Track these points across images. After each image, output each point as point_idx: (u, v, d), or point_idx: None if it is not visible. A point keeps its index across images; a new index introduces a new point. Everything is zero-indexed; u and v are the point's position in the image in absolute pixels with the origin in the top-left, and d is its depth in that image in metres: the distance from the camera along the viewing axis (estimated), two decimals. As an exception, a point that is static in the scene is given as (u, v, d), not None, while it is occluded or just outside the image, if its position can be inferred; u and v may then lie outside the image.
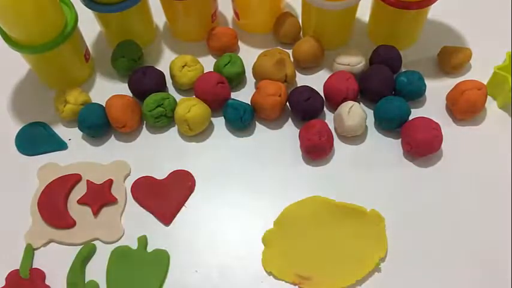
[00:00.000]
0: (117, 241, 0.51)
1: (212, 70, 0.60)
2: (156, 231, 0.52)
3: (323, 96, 0.57)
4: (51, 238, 0.51)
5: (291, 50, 0.62)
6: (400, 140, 0.56)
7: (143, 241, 0.51)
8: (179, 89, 0.62)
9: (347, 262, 0.48)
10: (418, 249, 0.49)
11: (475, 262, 0.48)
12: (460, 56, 0.59)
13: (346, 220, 0.50)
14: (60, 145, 0.58)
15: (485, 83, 0.57)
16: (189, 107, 0.55)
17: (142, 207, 0.53)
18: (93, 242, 0.51)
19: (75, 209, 0.53)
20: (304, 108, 0.56)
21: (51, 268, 0.50)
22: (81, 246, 0.51)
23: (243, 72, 0.61)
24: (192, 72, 0.59)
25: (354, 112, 0.54)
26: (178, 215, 0.53)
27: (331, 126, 0.56)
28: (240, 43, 0.66)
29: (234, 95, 0.60)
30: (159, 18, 0.67)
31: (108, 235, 0.51)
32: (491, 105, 0.58)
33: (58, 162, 0.56)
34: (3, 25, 0.53)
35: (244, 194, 0.54)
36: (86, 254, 0.50)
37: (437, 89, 0.59)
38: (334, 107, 0.57)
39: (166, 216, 0.52)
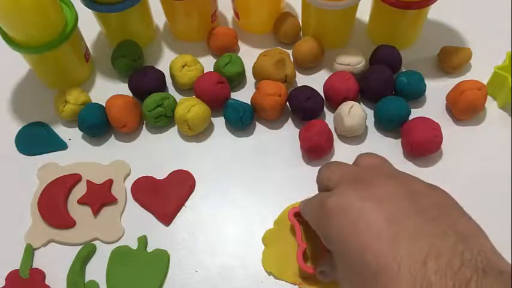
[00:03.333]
0: (117, 241, 0.51)
1: (212, 70, 0.60)
2: (156, 231, 0.52)
3: (323, 96, 0.57)
4: (51, 238, 0.51)
5: (291, 50, 0.62)
6: (400, 140, 0.56)
7: (143, 241, 0.51)
8: (179, 89, 0.62)
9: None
10: (418, 249, 0.49)
11: (475, 262, 0.48)
12: (460, 56, 0.59)
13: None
14: (60, 145, 0.58)
15: (485, 83, 0.57)
16: (189, 107, 0.55)
17: (143, 207, 0.53)
18: (93, 242, 0.51)
19: (75, 209, 0.53)
20: (304, 108, 0.56)
21: (51, 268, 0.50)
22: (81, 246, 0.51)
23: (243, 72, 0.61)
24: (192, 72, 0.59)
25: (354, 112, 0.54)
26: (178, 215, 0.53)
27: (331, 126, 0.56)
28: (240, 43, 0.66)
29: (234, 95, 0.60)
30: (159, 18, 0.67)
31: (108, 235, 0.51)
32: (491, 105, 0.58)
33: (58, 162, 0.56)
34: (3, 25, 0.53)
35: (244, 194, 0.54)
36: (86, 254, 0.50)
37: (437, 89, 0.59)
38: (334, 107, 0.57)
39: (166, 216, 0.52)
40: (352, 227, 0.32)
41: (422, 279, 0.28)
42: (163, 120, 0.57)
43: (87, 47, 0.63)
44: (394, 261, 0.29)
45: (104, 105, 0.57)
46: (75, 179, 0.54)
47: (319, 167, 0.54)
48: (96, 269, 0.50)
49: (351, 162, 0.44)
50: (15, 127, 0.60)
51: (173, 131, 0.59)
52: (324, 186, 0.41)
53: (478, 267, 0.28)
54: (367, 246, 0.31)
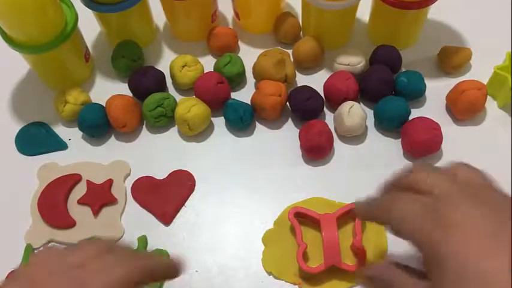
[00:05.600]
0: (117, 241, 0.51)
1: (212, 70, 0.60)
2: (156, 231, 0.52)
3: (323, 96, 0.57)
4: (51, 238, 0.51)
5: (291, 50, 0.62)
6: (400, 140, 0.55)
7: (143, 241, 0.51)
8: (179, 89, 0.62)
9: (347, 262, 0.48)
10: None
11: (475, 262, 0.48)
12: (460, 56, 0.59)
13: (345, 220, 0.50)
14: (60, 145, 0.58)
15: (485, 83, 0.57)
16: (189, 107, 0.55)
17: (142, 207, 0.53)
18: (93, 242, 0.51)
19: (75, 209, 0.53)
20: (304, 108, 0.56)
21: (51, 268, 0.50)
22: (81, 246, 0.51)
23: (243, 72, 0.61)
24: (192, 72, 0.59)
25: (354, 112, 0.54)
26: (178, 215, 0.53)
27: (331, 126, 0.56)
28: (240, 43, 0.66)
29: (234, 95, 0.60)
30: (159, 18, 0.67)
31: (108, 235, 0.51)
32: (491, 105, 0.58)
33: (58, 162, 0.56)
34: (3, 25, 0.53)
35: (244, 194, 0.54)
36: (86, 254, 0.50)
37: (437, 89, 0.59)
38: (334, 107, 0.57)
39: (166, 216, 0.52)
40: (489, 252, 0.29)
41: None
42: (163, 120, 0.57)
43: (87, 47, 0.63)
44: None
45: (104, 105, 0.57)
46: (75, 179, 0.54)
47: (320, 167, 0.55)
48: (96, 269, 0.50)
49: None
50: (15, 127, 0.60)
51: (173, 131, 0.59)
52: (411, 187, 0.37)
53: None
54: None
